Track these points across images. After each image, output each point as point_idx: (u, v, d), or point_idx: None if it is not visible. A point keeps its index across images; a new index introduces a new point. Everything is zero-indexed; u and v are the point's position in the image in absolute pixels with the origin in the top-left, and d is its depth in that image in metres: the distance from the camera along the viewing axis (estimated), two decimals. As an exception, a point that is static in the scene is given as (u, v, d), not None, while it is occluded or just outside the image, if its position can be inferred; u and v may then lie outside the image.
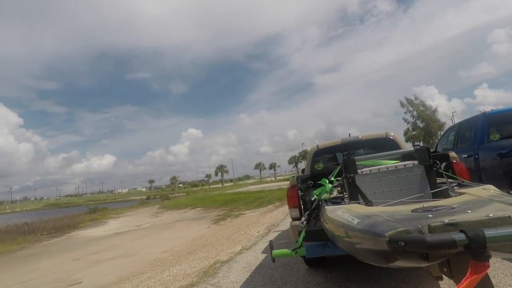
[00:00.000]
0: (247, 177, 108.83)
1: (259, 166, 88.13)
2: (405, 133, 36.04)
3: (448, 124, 35.06)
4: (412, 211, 1.49)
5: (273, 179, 76.29)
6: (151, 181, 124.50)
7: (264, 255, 5.14)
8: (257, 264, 4.58)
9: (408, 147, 3.87)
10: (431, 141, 32.57)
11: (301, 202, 3.19)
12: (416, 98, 35.52)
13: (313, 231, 2.54)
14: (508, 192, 1.65)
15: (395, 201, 2.05)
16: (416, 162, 2.33)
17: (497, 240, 1.07)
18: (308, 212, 2.65)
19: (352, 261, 2.03)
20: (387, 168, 2.37)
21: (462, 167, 3.12)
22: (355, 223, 1.46)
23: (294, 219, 3.40)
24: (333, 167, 3.99)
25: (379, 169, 2.39)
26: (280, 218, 9.78)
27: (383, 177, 2.35)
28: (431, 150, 6.01)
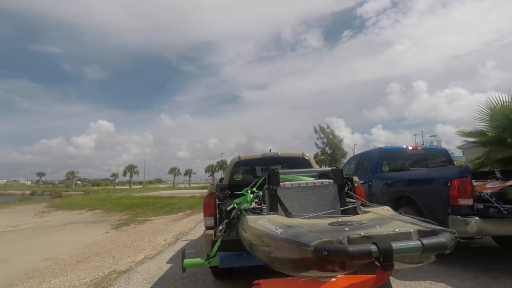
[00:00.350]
0: (159, 181, 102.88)
1: (174, 171, 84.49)
2: (315, 157, 40.02)
3: (350, 153, 40.09)
4: (329, 224, 1.63)
5: (187, 186, 74.05)
6: (41, 174, 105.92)
7: (170, 265, 4.84)
8: (160, 275, 4.28)
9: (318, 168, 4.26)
10: (335, 166, 36.89)
11: (218, 211, 3.14)
12: (328, 127, 39.96)
13: (228, 241, 2.52)
14: (400, 213, 1.96)
15: (311, 214, 2.20)
16: (331, 181, 2.56)
17: (401, 252, 1.24)
18: (227, 221, 2.63)
19: (261, 272, 2.06)
20: (307, 184, 2.54)
21: (362, 190, 3.56)
22: (279, 232, 1.50)
23: (208, 228, 3.32)
24: (251, 179, 4.09)
25: (299, 184, 2.54)
26: (190, 226, 9.47)
27: (302, 191, 2.50)
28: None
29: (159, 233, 8.74)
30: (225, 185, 3.89)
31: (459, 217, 3.71)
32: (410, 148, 6.32)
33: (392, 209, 4.99)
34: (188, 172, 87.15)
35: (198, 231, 8.24)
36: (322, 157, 38.42)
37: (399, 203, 4.92)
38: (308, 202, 2.47)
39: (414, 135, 49.65)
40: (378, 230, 1.48)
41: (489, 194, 3.76)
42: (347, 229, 1.51)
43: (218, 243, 2.45)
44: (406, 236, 1.40)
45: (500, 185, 3.90)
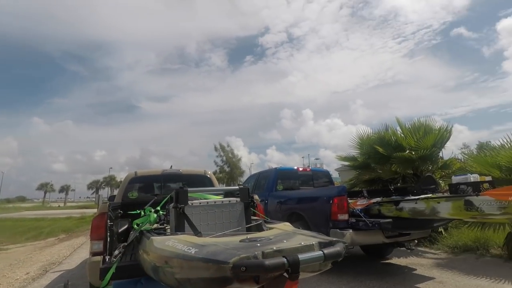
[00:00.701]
0: (22, 199, 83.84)
1: (45, 187, 70.76)
2: (214, 173, 40.20)
3: (247, 172, 41.80)
4: (240, 241, 1.65)
5: (62, 205, 62.81)
6: None
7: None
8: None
9: (219, 186, 4.30)
10: (232, 184, 37.74)
11: (109, 234, 2.77)
12: (228, 146, 41.02)
13: (123, 266, 2.24)
14: (298, 228, 2.15)
15: (219, 233, 2.18)
16: (238, 199, 2.61)
17: (307, 262, 1.39)
18: (125, 244, 2.34)
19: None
20: (215, 202, 2.52)
21: (261, 208, 3.76)
22: (193, 252, 1.46)
23: (95, 253, 2.86)
24: (149, 197, 3.79)
25: (207, 202, 2.49)
26: (65, 254, 7.98)
27: (210, 210, 2.46)
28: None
29: (18, 265, 7.04)
30: (118, 204, 3.49)
31: (338, 230, 4.31)
32: (300, 169, 7.06)
33: (285, 225, 5.41)
34: (64, 189, 74.38)
35: (76, 259, 7.02)
36: (221, 175, 38.92)
37: (291, 219, 5.39)
38: (216, 220, 2.45)
39: (302, 157, 55.81)
40: (286, 244, 1.60)
41: (359, 210, 4.51)
42: (259, 245, 1.58)
43: (112, 270, 2.14)
44: (310, 248, 1.58)
45: (367, 202, 4.74)
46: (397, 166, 6.95)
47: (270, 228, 2.26)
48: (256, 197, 3.65)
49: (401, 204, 4.12)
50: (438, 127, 6.91)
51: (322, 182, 7.11)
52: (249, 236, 1.83)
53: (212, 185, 4.76)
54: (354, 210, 4.52)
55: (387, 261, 5.37)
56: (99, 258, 2.66)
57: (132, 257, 2.48)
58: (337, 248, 1.57)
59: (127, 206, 3.46)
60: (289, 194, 5.98)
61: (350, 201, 4.73)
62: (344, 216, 4.38)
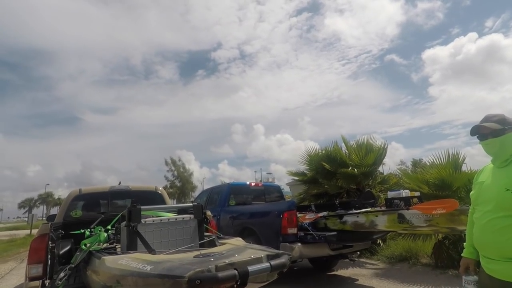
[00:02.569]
0: None
1: (-40, 205, 61.27)
2: (164, 188, 38.57)
3: (199, 187, 40.91)
4: (195, 257, 1.71)
5: (-18, 224, 54.69)
6: None
7: None
8: None
9: (170, 203, 4.20)
10: (183, 199, 36.56)
11: (50, 256, 2.55)
12: (179, 160, 39.88)
13: None
14: (249, 242, 2.24)
15: (173, 250, 2.16)
16: (192, 216, 2.62)
17: (256, 273, 1.53)
18: (72, 266, 2.19)
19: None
20: (169, 220, 2.50)
21: (214, 224, 3.77)
22: (148, 269, 1.50)
23: (33, 278, 2.60)
24: (94, 215, 3.57)
25: (161, 220, 2.47)
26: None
27: (163, 227, 2.45)
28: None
29: None
30: (59, 223, 3.25)
31: (287, 244, 4.47)
32: (253, 184, 7.20)
33: (237, 240, 5.45)
34: (-12, 207, 65.26)
35: (3, 287, 6.20)
36: (171, 190, 37.56)
37: (243, 234, 5.44)
38: (169, 237, 2.47)
39: (255, 171, 56.53)
40: (238, 257, 1.72)
41: (307, 224, 4.74)
42: (212, 259, 1.67)
43: None
44: (258, 260, 1.71)
45: (314, 216, 5.00)
46: (342, 182, 7.45)
47: (223, 244, 2.34)
48: (209, 213, 3.66)
49: (345, 218, 4.43)
50: (378, 145, 7.62)
51: (274, 197, 7.30)
52: (202, 251, 1.90)
53: (163, 201, 4.64)
54: (303, 224, 4.73)
55: (332, 273, 5.66)
56: (37, 283, 2.44)
57: (76, 279, 2.35)
58: (283, 259, 1.73)
59: (70, 225, 3.24)
60: (241, 209, 6.04)
61: (299, 215, 4.95)
62: (293, 230, 4.56)
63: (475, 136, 1.68)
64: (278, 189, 7.90)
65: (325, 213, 4.94)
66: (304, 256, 4.51)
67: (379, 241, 6.59)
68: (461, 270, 1.74)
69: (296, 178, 9.07)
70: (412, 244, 6.02)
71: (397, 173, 8.61)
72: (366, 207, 4.65)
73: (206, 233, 2.81)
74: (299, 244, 4.42)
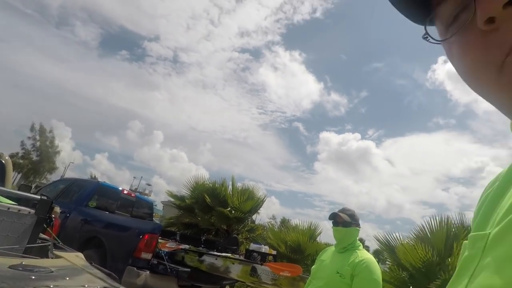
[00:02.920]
0: None
1: None
2: (12, 156, 30.93)
3: (60, 171, 34.78)
4: (10, 267, 1.28)
5: None
6: None
7: None
8: None
9: (12, 176, 3.33)
10: (33, 178, 30.11)
11: None
12: (50, 131, 33.33)
13: None
14: (91, 263, 1.88)
15: None
16: (32, 210, 2.04)
17: None
18: None
19: None
20: None
21: (57, 224, 3.16)
22: None
23: None
24: None
25: None
26: None
27: None
28: (32, 192, 5.59)
29: None
30: None
31: (135, 269, 4.07)
32: (125, 192, 6.53)
33: (80, 248, 4.72)
34: None
35: None
36: (22, 161, 30.49)
37: (89, 244, 4.74)
38: None
39: (134, 177, 52.00)
40: (68, 282, 1.37)
41: (165, 253, 4.48)
42: (33, 277, 1.28)
43: None
44: None
45: (176, 246, 4.78)
46: (216, 219, 7.51)
47: (57, 256, 1.88)
48: (57, 209, 3.07)
49: (204, 257, 4.38)
50: (258, 196, 8.12)
51: (142, 213, 6.74)
52: (25, 262, 1.46)
53: (2, 173, 3.72)
54: (160, 252, 4.45)
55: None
56: None
57: None
58: None
59: None
60: (98, 215, 5.31)
61: (160, 241, 4.66)
62: (148, 256, 4.23)
63: (331, 220, 1.99)
64: (150, 205, 7.37)
65: (187, 246, 4.79)
66: (147, 286, 4.17)
67: (227, 287, 6.71)
68: None
69: (173, 200, 8.70)
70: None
71: (266, 226, 9.26)
72: (228, 252, 4.74)
73: (42, 235, 2.27)
74: (148, 272, 4.09)
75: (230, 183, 8.40)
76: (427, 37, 0.37)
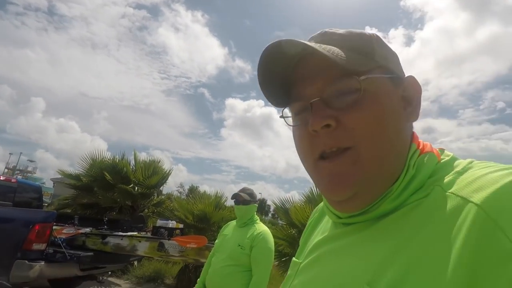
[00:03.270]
0: None
1: None
2: None
3: None
4: None
5: None
6: None
7: None
8: None
9: None
10: None
11: None
12: None
13: None
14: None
15: None
16: None
17: None
18: None
19: None
20: None
21: None
22: None
23: None
24: None
25: None
26: None
27: None
28: None
29: None
30: None
31: (26, 261, 3.76)
32: (2, 178, 5.63)
33: None
34: None
35: None
36: None
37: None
38: None
39: (10, 153, 43.44)
40: None
41: (61, 240, 4.23)
42: None
43: None
44: None
45: (75, 231, 4.55)
46: (119, 196, 7.24)
47: None
48: None
49: (108, 239, 4.34)
50: (164, 170, 8.08)
51: (28, 198, 5.96)
52: None
53: None
54: (56, 239, 4.18)
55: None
56: None
57: None
58: None
59: None
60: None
61: (55, 227, 4.34)
62: (41, 246, 3.93)
63: (233, 200, 2.24)
64: (37, 189, 6.53)
65: (87, 230, 4.61)
66: (44, 276, 3.94)
67: (135, 262, 6.75)
68: None
69: (68, 180, 7.89)
70: (162, 266, 6.58)
71: (174, 195, 9.38)
72: (133, 231, 4.78)
73: None
74: (42, 262, 3.84)
75: (133, 157, 8.08)
76: (283, 118, 0.47)
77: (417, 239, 0.34)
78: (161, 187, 8.56)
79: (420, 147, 0.44)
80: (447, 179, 0.37)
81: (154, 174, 7.65)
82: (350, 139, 0.39)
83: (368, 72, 0.40)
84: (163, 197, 8.92)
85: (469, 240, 0.30)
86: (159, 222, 4.61)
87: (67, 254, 3.99)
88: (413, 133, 0.45)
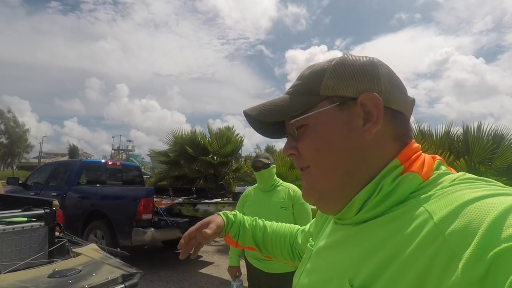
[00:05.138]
0: None
1: None
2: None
3: (37, 147, 33.72)
4: (50, 276, 1.63)
5: None
6: None
7: None
8: None
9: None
10: (10, 160, 29.32)
11: None
12: (9, 111, 31.15)
13: None
14: (104, 249, 2.29)
15: (18, 263, 1.97)
16: (42, 223, 2.35)
17: None
18: None
19: None
20: (14, 229, 2.16)
21: (60, 214, 3.53)
22: None
23: None
24: None
25: (4, 230, 2.10)
26: None
27: (7, 237, 2.10)
28: (21, 182, 5.82)
29: None
30: None
31: (141, 229, 4.67)
32: (110, 163, 6.81)
33: (86, 222, 5.18)
34: None
35: None
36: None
37: (92, 217, 5.25)
38: (12, 247, 2.11)
39: (113, 137, 51.31)
40: (96, 279, 1.74)
41: (162, 209, 5.06)
42: (71, 281, 1.63)
43: None
44: (115, 281, 1.81)
45: (171, 202, 5.36)
46: (202, 167, 8.08)
47: (77, 254, 2.23)
48: (56, 202, 3.40)
49: (197, 206, 5.00)
50: (236, 139, 8.59)
51: (132, 176, 7.14)
52: (56, 268, 1.82)
53: None
54: (158, 210, 5.02)
55: (180, 251, 6.23)
56: None
57: None
58: (135, 280, 1.87)
59: None
60: (93, 190, 5.71)
61: (156, 199, 5.19)
62: (148, 216, 4.79)
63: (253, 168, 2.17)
64: (137, 168, 7.76)
65: (181, 200, 5.38)
66: (156, 240, 4.84)
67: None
68: (232, 277, 2.12)
69: (159, 158, 9.09)
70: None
71: (252, 157, 9.94)
72: (217, 198, 5.37)
73: (57, 234, 2.61)
74: (152, 229, 4.70)
75: (207, 131, 8.77)
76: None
77: (389, 245, 0.39)
78: (238, 152, 9.19)
79: (406, 163, 0.46)
80: (425, 194, 0.41)
81: (228, 143, 8.22)
82: (305, 162, 0.51)
83: (308, 111, 0.49)
84: (242, 161, 9.58)
85: (423, 257, 0.34)
86: (238, 189, 5.08)
87: (168, 221, 4.78)
88: (404, 148, 0.48)
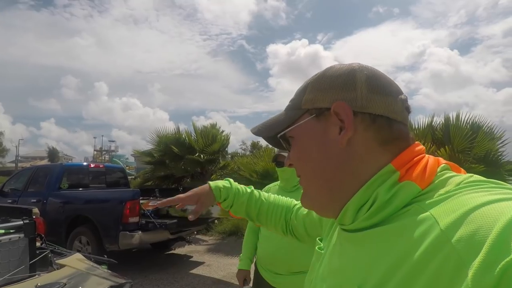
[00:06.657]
0: None
1: None
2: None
3: (13, 151, 32.44)
4: None
5: None
6: None
7: None
8: None
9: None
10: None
11: None
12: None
13: None
14: (91, 259, 2.20)
15: None
16: (22, 235, 2.22)
17: None
18: None
19: None
20: None
21: (41, 222, 3.37)
22: None
23: None
24: None
25: None
26: None
27: None
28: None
29: None
30: None
31: (128, 232, 4.55)
32: (92, 165, 6.60)
33: (69, 227, 5.01)
34: None
35: None
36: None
37: (76, 221, 5.07)
38: None
39: (94, 137, 49.93)
40: None
41: (149, 211, 4.94)
42: None
43: None
44: None
45: (157, 203, 5.25)
46: (188, 165, 7.96)
47: (61, 265, 2.13)
48: (35, 210, 3.24)
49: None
50: (221, 136, 8.51)
51: (116, 178, 6.94)
52: (39, 282, 1.73)
53: None
54: (145, 212, 4.90)
55: (170, 252, 6.15)
56: None
57: None
58: None
59: None
60: (76, 195, 5.51)
61: (142, 201, 5.06)
62: (135, 219, 4.67)
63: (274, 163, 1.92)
64: (122, 170, 7.56)
65: (168, 201, 5.26)
66: (144, 242, 4.73)
67: (216, 221, 7.58)
68: (240, 282, 1.86)
69: (143, 158, 8.90)
70: (239, 221, 7.27)
71: (239, 153, 9.94)
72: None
73: (38, 244, 2.48)
74: (140, 232, 4.59)
75: (193, 130, 8.64)
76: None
77: (395, 251, 0.38)
78: (225, 150, 9.11)
79: (402, 168, 0.44)
80: (429, 200, 0.40)
81: (214, 141, 8.13)
82: (297, 171, 0.54)
83: (291, 125, 0.53)
84: (228, 158, 9.51)
85: (431, 264, 0.34)
86: (226, 186, 5.01)
87: (156, 223, 4.68)
88: (402, 152, 0.46)
